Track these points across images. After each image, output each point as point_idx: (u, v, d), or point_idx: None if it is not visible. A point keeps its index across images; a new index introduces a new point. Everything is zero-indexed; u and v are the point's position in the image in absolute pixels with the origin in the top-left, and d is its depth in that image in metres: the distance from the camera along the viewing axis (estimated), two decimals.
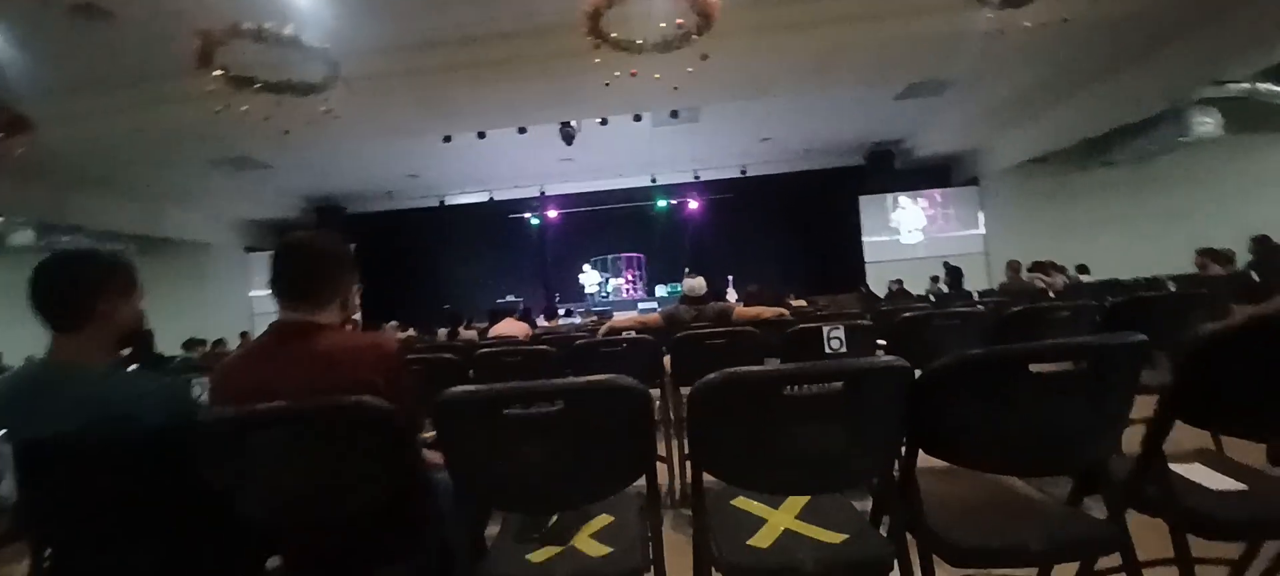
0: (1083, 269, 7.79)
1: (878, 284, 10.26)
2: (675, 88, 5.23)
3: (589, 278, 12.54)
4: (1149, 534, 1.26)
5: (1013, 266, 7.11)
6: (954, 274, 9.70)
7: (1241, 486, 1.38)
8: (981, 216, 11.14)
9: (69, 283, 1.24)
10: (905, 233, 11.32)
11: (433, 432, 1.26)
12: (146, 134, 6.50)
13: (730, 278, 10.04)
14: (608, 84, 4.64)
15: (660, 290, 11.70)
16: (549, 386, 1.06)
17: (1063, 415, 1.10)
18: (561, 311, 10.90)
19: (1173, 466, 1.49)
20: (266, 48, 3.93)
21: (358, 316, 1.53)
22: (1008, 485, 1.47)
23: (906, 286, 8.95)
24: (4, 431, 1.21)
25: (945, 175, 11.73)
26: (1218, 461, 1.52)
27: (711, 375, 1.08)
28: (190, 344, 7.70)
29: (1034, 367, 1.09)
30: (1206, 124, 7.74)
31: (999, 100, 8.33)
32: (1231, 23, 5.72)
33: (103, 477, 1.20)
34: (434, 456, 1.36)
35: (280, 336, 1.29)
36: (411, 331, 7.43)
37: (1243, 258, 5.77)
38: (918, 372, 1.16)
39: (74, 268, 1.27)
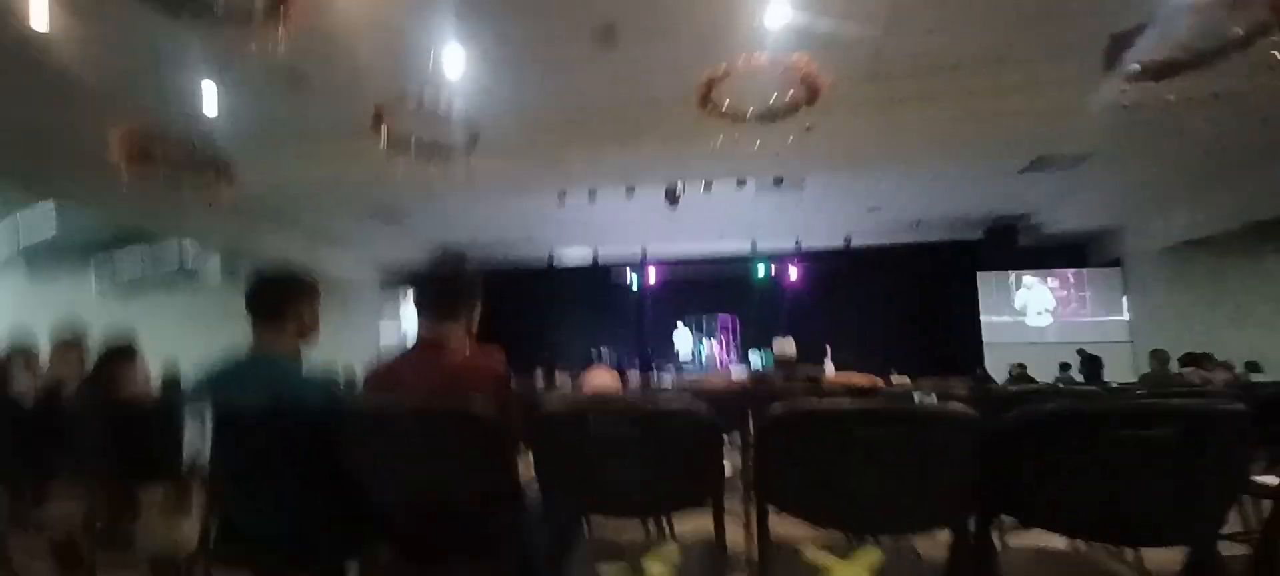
0: (1253, 366, 6.67)
1: (998, 369, 9.39)
2: (775, 154, 5.38)
3: (682, 337, 12.64)
4: None
5: (1159, 357, 6.25)
6: (1091, 363, 8.66)
7: None
8: (1125, 301, 9.94)
9: (277, 283, 1.63)
10: (1032, 314, 10.35)
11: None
12: (320, 184, 7.76)
13: (828, 348, 9.68)
14: (711, 147, 4.90)
15: (753, 356, 11.51)
16: (629, 406, 1.21)
17: (1147, 483, 1.05)
18: (654, 371, 11.08)
19: None
20: (425, 117, 4.69)
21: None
22: (1102, 567, 1.37)
23: (1030, 372, 8.12)
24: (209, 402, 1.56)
25: (1081, 254, 10.67)
26: None
27: (778, 405, 1.17)
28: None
29: (1121, 432, 1.07)
30: None
31: (1146, 176, 7.59)
32: None
33: (272, 447, 1.50)
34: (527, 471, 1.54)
35: (420, 351, 1.59)
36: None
37: None
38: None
39: (280, 273, 1.68)
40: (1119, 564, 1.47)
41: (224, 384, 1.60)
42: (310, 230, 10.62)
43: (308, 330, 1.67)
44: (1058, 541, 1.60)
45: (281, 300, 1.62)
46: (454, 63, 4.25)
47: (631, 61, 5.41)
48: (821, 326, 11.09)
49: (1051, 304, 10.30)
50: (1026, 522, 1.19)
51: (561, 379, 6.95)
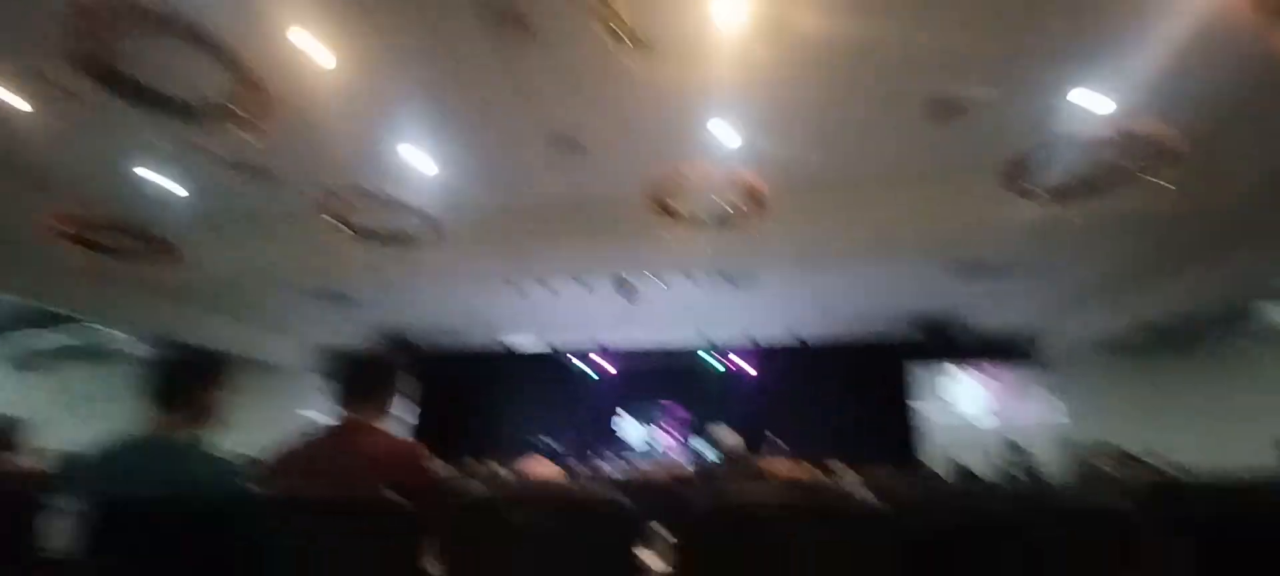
0: (1168, 461, 7.03)
1: (934, 459, 9.58)
2: (722, 254, 5.66)
3: (630, 428, 12.45)
4: None
5: (1084, 452, 6.54)
6: (1019, 454, 8.96)
7: None
8: (1048, 397, 10.49)
9: (186, 369, 1.58)
10: (963, 407, 10.76)
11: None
12: (268, 268, 7.56)
13: (766, 433, 9.67)
14: (662, 246, 5.13)
15: (698, 444, 11.39)
16: (546, 494, 1.21)
17: None
18: (602, 460, 10.73)
19: None
20: (380, 206, 4.75)
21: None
22: None
23: (960, 461, 8.28)
24: (82, 493, 1.45)
25: (1007, 351, 11.32)
26: None
27: (703, 502, 1.18)
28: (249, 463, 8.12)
29: (1041, 533, 1.13)
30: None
31: (1065, 284, 8.28)
32: None
33: (162, 537, 1.39)
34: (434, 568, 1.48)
35: (338, 433, 1.57)
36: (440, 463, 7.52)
37: None
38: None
39: (190, 358, 1.64)
40: None
41: (111, 467, 1.50)
42: (259, 317, 10.19)
43: (208, 415, 1.61)
44: None
45: (181, 383, 1.56)
46: (415, 156, 4.39)
47: (589, 166, 5.70)
48: (765, 418, 11.12)
49: (983, 398, 10.74)
50: None
51: (495, 467, 6.63)
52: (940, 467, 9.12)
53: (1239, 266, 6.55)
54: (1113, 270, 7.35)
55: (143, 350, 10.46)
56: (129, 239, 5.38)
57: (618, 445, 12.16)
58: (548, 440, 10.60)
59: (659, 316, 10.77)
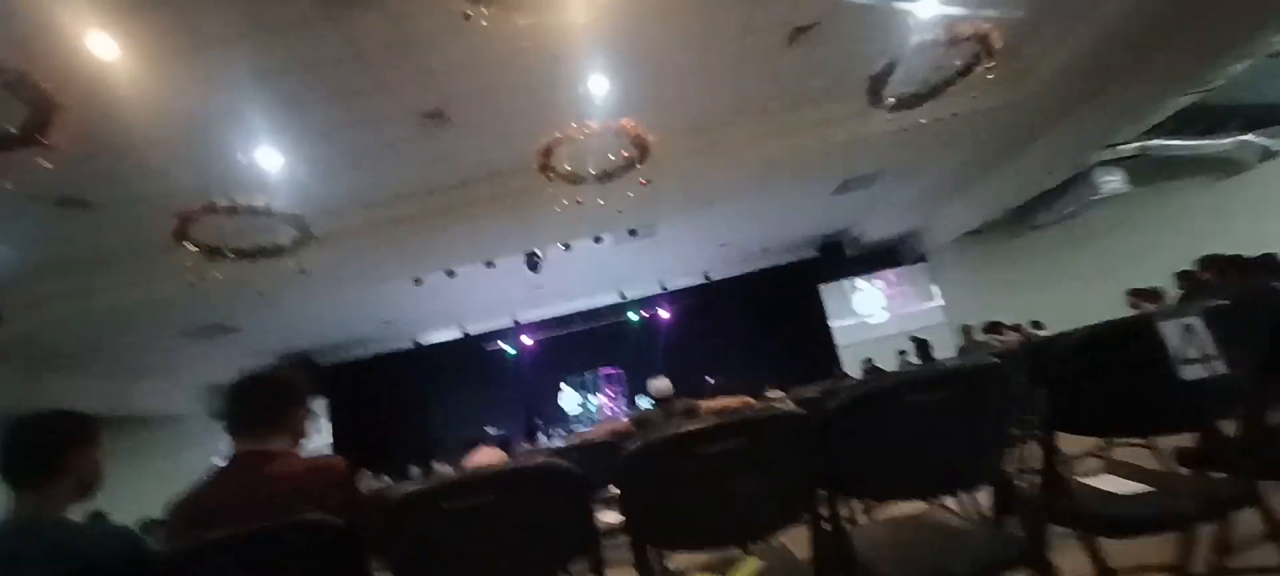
0: (1037, 325, 8.13)
1: (853, 366, 10.45)
2: (619, 211, 5.67)
3: (568, 398, 12.46)
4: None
5: (967, 330, 7.40)
6: (922, 347, 9.97)
7: (1147, 488, 1.50)
8: (936, 289, 11.66)
9: (34, 436, 1.34)
10: (869, 314, 11.72)
11: None
12: (118, 312, 6.62)
13: (707, 378, 10.11)
14: (559, 210, 5.02)
15: (642, 402, 11.65)
16: (480, 476, 1.17)
17: (945, 439, 1.24)
18: (544, 436, 10.71)
19: (1089, 480, 1.63)
20: (240, 219, 4.23)
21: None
22: (938, 520, 1.56)
23: (878, 363, 9.13)
24: None
25: (895, 256, 12.40)
26: (1127, 470, 1.65)
27: (629, 448, 1.20)
28: (150, 527, 7.27)
29: (912, 398, 1.25)
30: (1112, 182, 8.54)
31: (927, 184, 9.10)
32: (1108, 100, 6.54)
33: None
34: None
35: (239, 466, 1.39)
36: (385, 479, 7.21)
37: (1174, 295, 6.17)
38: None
39: (38, 422, 1.37)
40: (953, 516, 1.69)
41: None
42: (113, 368, 8.96)
43: (85, 483, 1.39)
44: (905, 508, 1.80)
45: (45, 453, 1.34)
46: (269, 159, 3.94)
47: (464, 139, 5.42)
48: (699, 358, 11.58)
49: (883, 302, 11.75)
50: (859, 495, 1.32)
51: (441, 469, 6.44)
52: (857, 370, 9.95)
53: (1066, 141, 7.51)
54: (964, 164, 8.17)
55: None
56: None
57: (563, 419, 12.15)
58: (492, 429, 10.41)
59: (572, 282, 10.71)
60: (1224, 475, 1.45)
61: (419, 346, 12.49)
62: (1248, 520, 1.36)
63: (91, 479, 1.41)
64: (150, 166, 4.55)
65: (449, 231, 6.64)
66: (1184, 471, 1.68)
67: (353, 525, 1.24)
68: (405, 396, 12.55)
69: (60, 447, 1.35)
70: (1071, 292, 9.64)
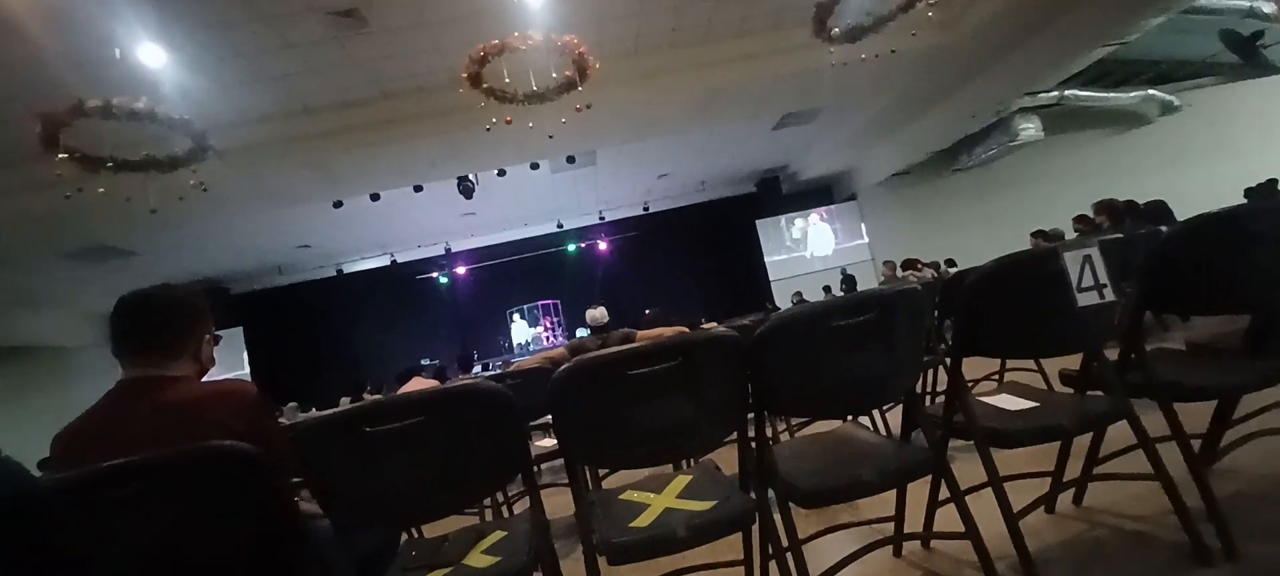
0: (950, 262, 8.72)
1: (784, 300, 10.90)
2: (551, 136, 5.43)
3: (520, 328, 12.35)
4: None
5: (888, 266, 7.86)
6: (850, 282, 10.51)
7: (1034, 404, 1.66)
8: (864, 227, 12.20)
9: None
10: (816, 247, 12.11)
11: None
12: None
13: (646, 311, 10.25)
14: (488, 129, 4.74)
15: (580, 332, 11.72)
16: (402, 399, 1.12)
17: (861, 360, 1.30)
18: (479, 367, 10.62)
19: (986, 398, 1.77)
20: (120, 124, 3.70)
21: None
22: (855, 437, 1.67)
23: (807, 297, 9.57)
24: None
25: (829, 194, 12.79)
26: (1019, 389, 1.81)
27: (561, 369, 1.18)
28: (45, 464, 6.76)
29: (836, 322, 1.30)
30: (1029, 129, 9.07)
31: (862, 124, 9.31)
32: (1032, 48, 6.82)
33: None
34: (312, 506, 1.35)
35: (124, 393, 1.25)
36: (312, 411, 6.96)
37: (1071, 237, 6.76)
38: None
39: None
40: (866, 431, 1.81)
41: None
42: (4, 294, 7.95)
43: None
44: (822, 426, 1.92)
45: None
46: (150, 55, 3.44)
47: (385, 46, 4.96)
48: (636, 290, 11.71)
49: (830, 237, 12.16)
50: (783, 414, 1.38)
51: (373, 398, 6.28)
52: (788, 303, 10.39)
53: (991, 86, 7.83)
54: (897, 105, 8.41)
55: None
56: None
57: (501, 351, 12.05)
58: (426, 361, 10.19)
59: (508, 210, 10.39)
60: (1101, 393, 1.62)
61: (342, 274, 11.87)
62: (1118, 433, 1.53)
63: None
64: (7, 60, 3.89)
65: (370, 151, 6.18)
66: (1067, 390, 1.86)
67: (263, 452, 1.16)
68: (330, 327, 12.02)
69: None
70: (985, 234, 10.36)
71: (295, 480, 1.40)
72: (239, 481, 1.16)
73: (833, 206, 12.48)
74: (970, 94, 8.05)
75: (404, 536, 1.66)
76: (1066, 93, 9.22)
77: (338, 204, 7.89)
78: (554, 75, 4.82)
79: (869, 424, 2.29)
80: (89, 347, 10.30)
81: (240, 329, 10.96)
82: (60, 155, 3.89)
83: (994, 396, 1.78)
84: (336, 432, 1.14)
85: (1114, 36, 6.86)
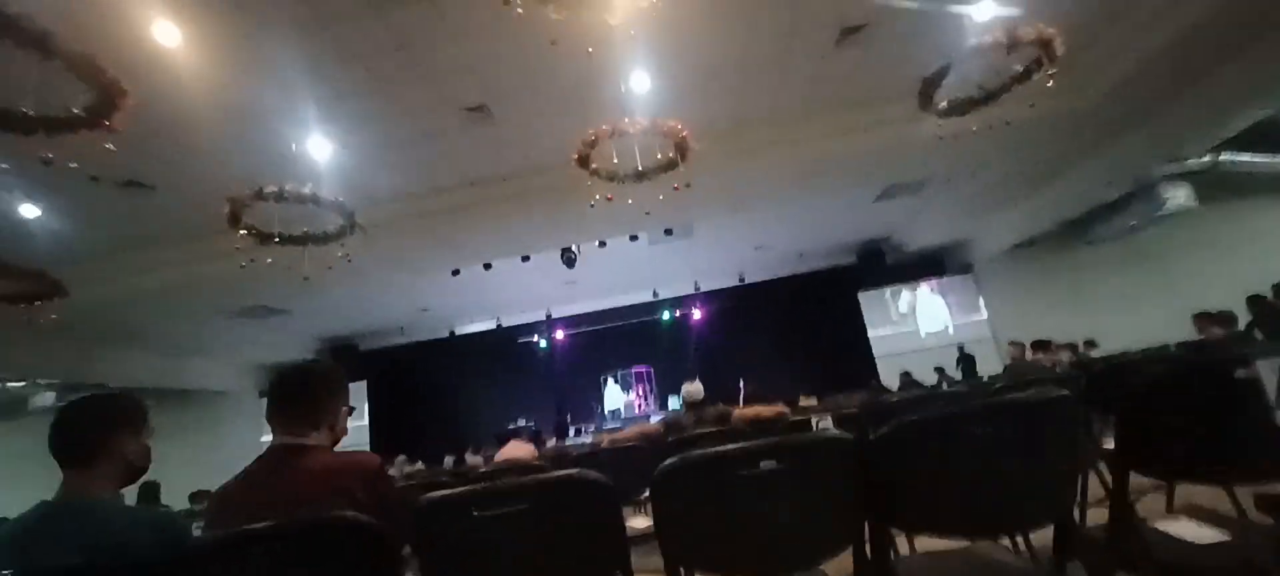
0: (1091, 343, 7.73)
1: (890, 377, 10.14)
2: (647, 212, 5.61)
3: (613, 394, 12.45)
4: None
5: (1015, 347, 7.09)
6: (968, 361, 9.60)
7: (1224, 535, 1.38)
8: (981, 301, 11.21)
9: (81, 418, 1.38)
10: (926, 322, 11.28)
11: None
12: (174, 290, 6.96)
13: (742, 382, 9.96)
14: (592, 206, 5.00)
15: (672, 401, 11.58)
16: (513, 484, 1.14)
17: (1000, 473, 1.15)
18: (573, 431, 10.76)
19: (1160, 524, 1.50)
20: (289, 205, 4.36)
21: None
22: (993, 559, 1.46)
23: (916, 376, 8.84)
24: (7, 572, 1.28)
25: (940, 265, 11.98)
26: (1203, 515, 1.52)
27: (668, 460, 1.15)
28: (197, 496, 7.62)
29: (975, 430, 1.17)
30: (1177, 197, 8.04)
31: (975, 192, 8.74)
32: (1178, 110, 6.15)
33: None
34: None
35: (273, 458, 1.40)
36: (419, 464, 7.36)
37: (1244, 319, 5.77)
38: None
39: (86, 405, 1.41)
40: (1005, 552, 1.58)
41: (27, 543, 1.32)
42: (166, 344, 9.42)
43: (131, 466, 1.42)
44: (951, 542, 1.70)
45: (90, 435, 1.37)
46: (318, 148, 4.04)
47: (505, 133, 5.46)
48: (729, 361, 11.45)
49: (944, 309, 11.28)
50: (907, 529, 1.25)
51: (474, 460, 6.53)
52: (894, 381, 9.67)
53: (1128, 153, 7.08)
54: (1017, 173, 7.81)
55: (47, 400, 9.56)
56: (8, 281, 4.80)
57: (592, 415, 12.19)
58: (522, 421, 10.55)
59: (607, 279, 10.72)
60: None
61: (454, 335, 12.73)
62: None
63: (138, 461, 1.45)
64: (206, 151, 4.74)
65: (486, 224, 6.72)
66: (1264, 518, 1.53)
67: (382, 524, 1.23)
68: (440, 383, 12.81)
69: (107, 431, 1.38)
70: (1125, 312, 9.17)
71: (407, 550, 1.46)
72: (359, 549, 1.23)
73: (945, 279, 11.63)
74: (1104, 161, 7.33)
75: None
76: (1222, 157, 8.12)
77: (455, 272, 8.58)
78: (658, 155, 5.03)
79: (1006, 542, 2.00)
80: (240, 393, 11.74)
81: (365, 382, 11.96)
82: (240, 232, 4.62)
83: (1168, 521, 1.50)
84: (448, 513, 1.17)
85: (1271, 98, 6.02)
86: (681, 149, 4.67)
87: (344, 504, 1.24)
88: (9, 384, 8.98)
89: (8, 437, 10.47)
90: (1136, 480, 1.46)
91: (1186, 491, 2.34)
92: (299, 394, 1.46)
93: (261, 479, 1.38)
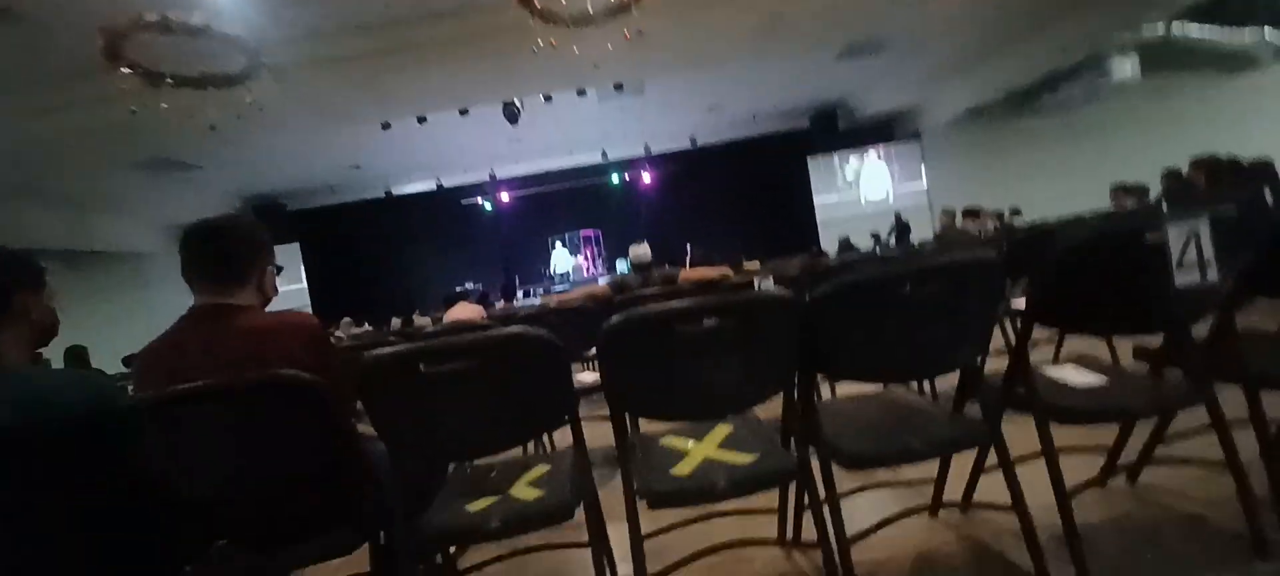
0: (1016, 212, 8.21)
1: (833, 243, 10.59)
2: (596, 65, 5.22)
3: (561, 257, 12.48)
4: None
5: (947, 215, 7.46)
6: (902, 228, 10.07)
7: (1103, 380, 1.57)
8: (923, 169, 11.55)
9: None
10: (869, 190, 11.59)
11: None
12: (63, 138, 6.15)
13: (689, 246, 10.16)
14: (534, 51, 4.60)
15: (620, 265, 11.77)
16: (461, 342, 1.14)
17: (926, 329, 1.24)
18: (521, 293, 10.89)
19: (1048, 370, 1.68)
20: (177, 39, 3.76)
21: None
22: (904, 401, 1.63)
23: (853, 242, 9.26)
24: None
25: (889, 132, 12.09)
26: (1088, 362, 1.71)
27: (614, 318, 1.17)
28: (129, 360, 7.40)
29: (906, 290, 1.23)
30: (1125, 69, 8.20)
31: (936, 57, 8.61)
32: None
33: (32, 472, 1.21)
34: (369, 430, 1.42)
35: (198, 320, 1.33)
36: (366, 326, 7.33)
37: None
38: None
39: None
40: (913, 395, 1.76)
41: None
42: (68, 201, 8.52)
43: (38, 326, 1.32)
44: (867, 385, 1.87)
45: None
46: None
47: None
48: (679, 225, 11.58)
49: (886, 177, 11.58)
50: (835, 377, 1.34)
51: (421, 321, 6.55)
52: (833, 247, 10.10)
53: (1090, 17, 7.04)
54: (974, 40, 7.70)
55: None
56: None
57: (541, 277, 12.27)
58: (469, 284, 10.53)
59: (553, 138, 10.26)
60: (1178, 371, 1.51)
61: (391, 195, 12.14)
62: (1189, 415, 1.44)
63: (44, 319, 1.34)
64: None
65: (419, 71, 6.13)
66: (1140, 366, 1.75)
67: (324, 383, 1.21)
68: (379, 246, 12.44)
69: (9, 291, 1.25)
70: (1059, 185, 9.64)
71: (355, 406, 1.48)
72: (304, 408, 1.23)
73: (892, 145, 11.80)
74: (1065, 25, 7.27)
75: (454, 465, 1.74)
76: (1174, 30, 8.21)
77: (386, 125, 7.95)
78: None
79: (915, 386, 2.23)
80: (162, 255, 11.01)
81: (297, 244, 11.44)
82: (123, 69, 4.01)
83: (1057, 368, 1.68)
84: (395, 370, 1.17)
85: None
86: None
87: (283, 364, 1.21)
88: None
89: None
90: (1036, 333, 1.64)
91: (1071, 345, 2.64)
92: (217, 250, 1.36)
93: (192, 339, 1.31)
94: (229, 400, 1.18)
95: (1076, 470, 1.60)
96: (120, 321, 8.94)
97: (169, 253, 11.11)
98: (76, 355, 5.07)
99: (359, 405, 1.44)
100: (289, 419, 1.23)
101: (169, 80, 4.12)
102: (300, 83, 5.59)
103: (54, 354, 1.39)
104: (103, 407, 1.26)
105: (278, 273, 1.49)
